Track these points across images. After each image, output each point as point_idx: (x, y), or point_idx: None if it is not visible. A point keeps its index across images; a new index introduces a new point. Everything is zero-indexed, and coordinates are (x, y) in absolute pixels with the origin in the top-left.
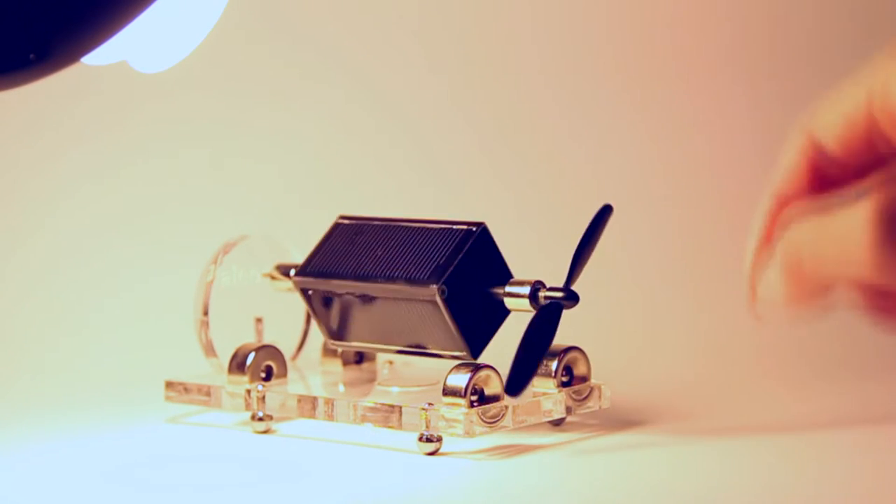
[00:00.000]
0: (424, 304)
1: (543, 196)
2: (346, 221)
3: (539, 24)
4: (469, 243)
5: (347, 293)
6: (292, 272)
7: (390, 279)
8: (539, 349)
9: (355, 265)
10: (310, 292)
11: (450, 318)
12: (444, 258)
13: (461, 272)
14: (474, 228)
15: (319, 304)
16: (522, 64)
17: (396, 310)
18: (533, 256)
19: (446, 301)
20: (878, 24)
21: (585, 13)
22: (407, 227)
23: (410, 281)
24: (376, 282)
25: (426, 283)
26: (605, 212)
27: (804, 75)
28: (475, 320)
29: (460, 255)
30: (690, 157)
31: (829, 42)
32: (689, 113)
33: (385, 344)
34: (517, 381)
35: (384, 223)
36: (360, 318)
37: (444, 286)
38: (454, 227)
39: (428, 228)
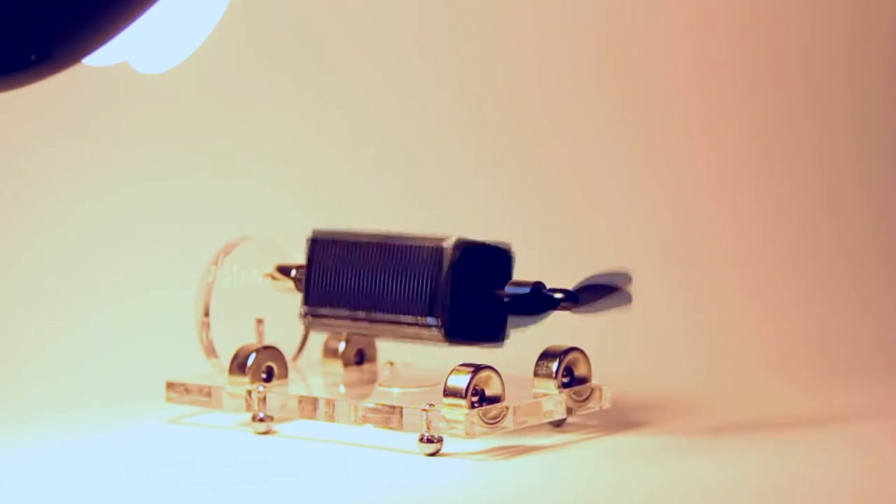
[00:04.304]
0: (435, 340)
1: (538, 200)
2: (321, 238)
3: (531, 26)
4: (451, 270)
5: (356, 330)
6: (293, 275)
7: (395, 323)
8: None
9: (354, 303)
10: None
11: (465, 343)
12: (432, 291)
13: (457, 303)
14: (448, 249)
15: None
16: (515, 66)
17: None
18: (527, 262)
19: (452, 340)
20: (875, 28)
21: (578, 18)
22: (387, 249)
23: (416, 323)
24: (380, 321)
25: (429, 327)
26: (623, 299)
27: (801, 78)
28: (487, 322)
29: (449, 289)
30: (689, 158)
31: (825, 46)
32: (687, 114)
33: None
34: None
35: (358, 245)
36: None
37: (444, 329)
38: (425, 246)
39: (406, 247)
